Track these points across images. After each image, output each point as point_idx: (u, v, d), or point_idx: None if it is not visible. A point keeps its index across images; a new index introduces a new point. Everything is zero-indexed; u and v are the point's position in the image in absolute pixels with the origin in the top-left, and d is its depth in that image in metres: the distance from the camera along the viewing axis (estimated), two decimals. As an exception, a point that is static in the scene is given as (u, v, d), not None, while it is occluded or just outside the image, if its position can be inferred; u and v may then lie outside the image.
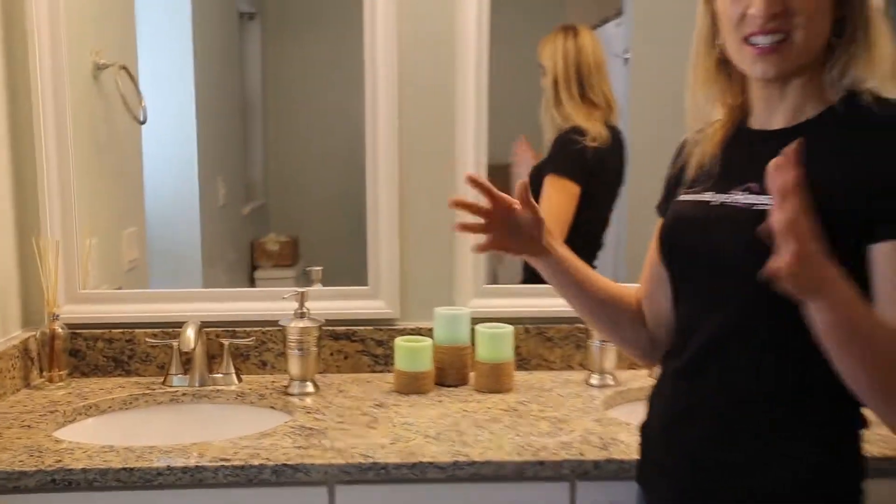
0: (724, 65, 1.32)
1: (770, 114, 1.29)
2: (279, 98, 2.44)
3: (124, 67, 2.22)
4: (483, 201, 1.40)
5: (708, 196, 1.30)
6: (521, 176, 2.23)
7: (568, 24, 2.24)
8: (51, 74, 2.03)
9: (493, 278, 2.26)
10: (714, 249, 1.26)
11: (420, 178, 2.16)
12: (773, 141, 1.23)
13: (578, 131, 2.21)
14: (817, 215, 1.10)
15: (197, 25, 2.34)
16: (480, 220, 1.40)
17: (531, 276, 2.28)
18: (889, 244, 1.14)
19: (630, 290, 1.52)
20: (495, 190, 1.41)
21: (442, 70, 2.14)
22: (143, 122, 2.27)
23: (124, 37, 2.25)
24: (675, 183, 1.44)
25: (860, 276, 1.16)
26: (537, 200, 2.20)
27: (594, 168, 2.24)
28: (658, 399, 1.41)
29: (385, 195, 2.14)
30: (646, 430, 1.43)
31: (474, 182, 1.42)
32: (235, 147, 2.50)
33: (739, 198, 1.25)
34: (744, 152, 1.31)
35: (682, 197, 1.37)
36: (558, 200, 2.23)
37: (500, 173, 2.19)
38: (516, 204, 1.40)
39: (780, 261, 1.03)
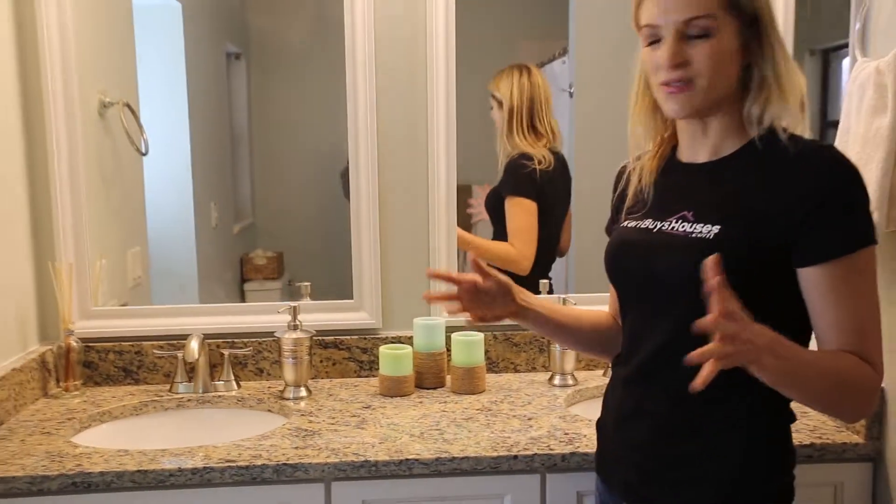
0: (657, 103, 1.34)
1: (696, 148, 1.32)
2: (264, 129, 2.46)
3: (127, 105, 2.22)
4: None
5: (648, 223, 1.34)
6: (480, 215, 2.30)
7: (521, 63, 2.29)
8: (63, 113, 2.03)
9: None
10: (655, 272, 1.28)
11: (397, 200, 2.18)
12: (701, 173, 1.30)
13: (527, 157, 2.27)
14: (746, 245, 1.19)
15: (190, 66, 2.35)
16: (453, 289, 1.43)
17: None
18: (815, 269, 1.18)
19: (602, 312, 1.56)
20: (455, 275, 1.46)
21: (415, 106, 2.16)
22: (144, 154, 2.27)
23: (127, 77, 2.26)
24: (618, 207, 1.47)
25: (794, 295, 1.21)
26: (501, 220, 2.26)
27: (544, 187, 2.29)
28: (611, 399, 1.44)
29: (366, 217, 2.15)
30: (601, 426, 1.47)
31: (436, 276, 1.57)
32: (226, 173, 2.51)
33: (676, 225, 1.28)
34: (676, 183, 1.34)
35: (624, 223, 1.40)
36: (523, 217, 2.28)
37: (462, 192, 2.22)
38: (478, 278, 1.41)
39: (717, 345, 1.03)
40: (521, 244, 2.28)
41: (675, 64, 1.21)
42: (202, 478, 1.57)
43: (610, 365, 1.54)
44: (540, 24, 2.38)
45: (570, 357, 2.10)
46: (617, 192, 1.50)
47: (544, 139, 2.28)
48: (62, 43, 2.02)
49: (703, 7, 1.20)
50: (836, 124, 1.77)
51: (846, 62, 1.77)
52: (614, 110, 2.32)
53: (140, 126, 2.25)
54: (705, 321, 1.03)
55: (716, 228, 1.22)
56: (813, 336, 1.25)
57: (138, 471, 1.55)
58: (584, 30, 2.33)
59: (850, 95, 1.69)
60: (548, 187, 2.30)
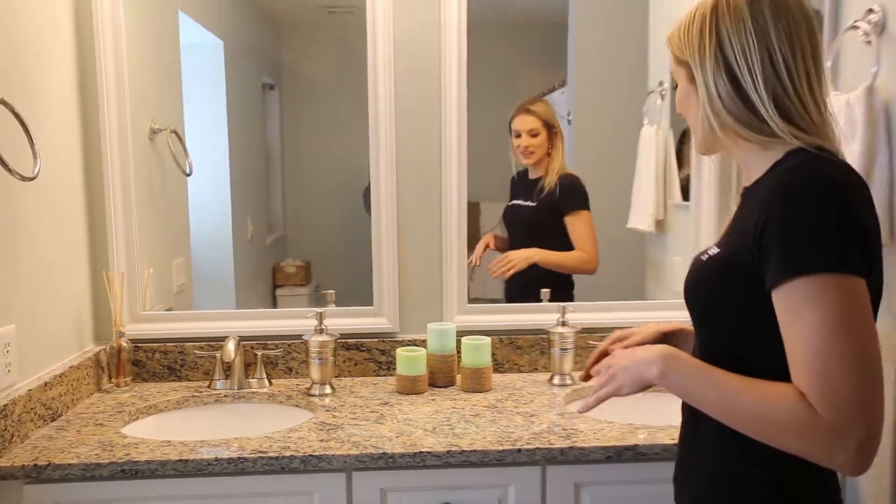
0: None
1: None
2: (294, 151, 2.45)
3: (174, 131, 2.23)
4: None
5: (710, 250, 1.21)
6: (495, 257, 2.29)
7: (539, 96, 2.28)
8: (117, 138, 2.04)
9: (468, 289, 2.27)
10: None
11: (413, 217, 2.17)
12: (742, 199, 1.19)
13: (575, 176, 2.26)
14: (726, 268, 1.11)
15: (230, 96, 2.35)
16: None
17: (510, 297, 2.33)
18: (774, 294, 1.02)
19: None
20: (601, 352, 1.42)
21: (430, 132, 2.15)
22: (188, 174, 2.27)
23: (174, 106, 2.26)
24: None
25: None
26: (548, 232, 2.27)
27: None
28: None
29: (386, 232, 2.14)
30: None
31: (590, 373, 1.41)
32: (260, 191, 2.51)
33: (708, 251, 1.18)
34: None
35: None
36: (589, 226, 2.28)
37: (472, 209, 2.22)
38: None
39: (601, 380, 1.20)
40: (592, 248, 2.27)
41: (679, 112, 1.24)
42: (236, 467, 1.55)
43: None
44: (541, 57, 2.37)
45: (569, 359, 2.08)
46: None
47: None
48: (117, 77, 2.04)
49: (670, 63, 1.23)
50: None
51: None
52: (609, 137, 2.34)
53: (185, 149, 2.26)
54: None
55: (717, 250, 1.15)
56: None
57: (180, 460, 1.54)
58: (581, 63, 2.31)
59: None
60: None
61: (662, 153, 2.26)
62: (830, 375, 0.96)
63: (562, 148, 2.25)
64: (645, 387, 1.17)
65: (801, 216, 1.00)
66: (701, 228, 2.21)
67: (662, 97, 2.25)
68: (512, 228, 2.31)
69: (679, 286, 2.02)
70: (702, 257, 1.18)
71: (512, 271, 2.25)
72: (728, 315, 1.13)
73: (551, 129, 2.25)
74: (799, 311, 0.98)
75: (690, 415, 1.21)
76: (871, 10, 1.62)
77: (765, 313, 1.04)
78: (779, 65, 1.08)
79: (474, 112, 2.16)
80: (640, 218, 2.30)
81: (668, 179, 2.27)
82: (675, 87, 1.22)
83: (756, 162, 1.14)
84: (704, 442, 1.19)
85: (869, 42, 1.64)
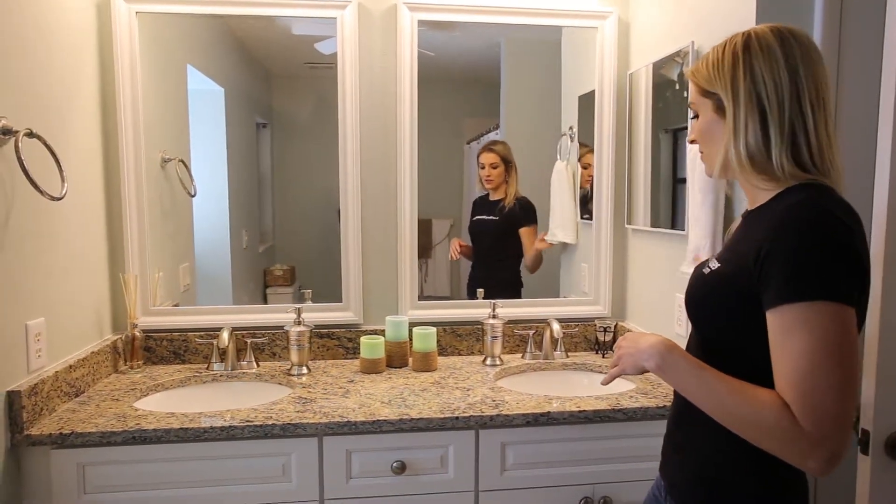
0: None
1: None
2: (282, 177, 2.41)
3: (181, 160, 2.17)
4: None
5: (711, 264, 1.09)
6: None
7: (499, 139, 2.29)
8: (133, 166, 1.99)
9: (422, 289, 2.26)
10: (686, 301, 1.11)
11: (375, 229, 2.16)
12: (744, 220, 1.08)
13: (527, 198, 2.27)
14: (726, 283, 0.99)
15: (229, 132, 2.31)
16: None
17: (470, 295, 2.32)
18: (769, 313, 0.92)
19: None
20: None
21: (388, 163, 2.14)
22: (193, 196, 2.22)
23: (182, 140, 2.21)
24: None
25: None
26: (504, 241, 2.28)
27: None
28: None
29: (353, 243, 2.13)
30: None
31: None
32: (254, 209, 2.46)
33: (709, 264, 1.07)
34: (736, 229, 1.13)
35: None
36: (536, 240, 2.27)
37: (425, 224, 2.22)
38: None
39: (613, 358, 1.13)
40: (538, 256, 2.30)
41: (691, 140, 1.11)
42: (228, 433, 1.52)
43: None
44: (479, 106, 2.37)
45: (498, 344, 2.08)
46: None
47: None
48: (133, 116, 1.99)
49: (693, 92, 1.08)
50: (683, 180, 1.78)
51: (688, 139, 1.79)
52: (531, 169, 2.35)
53: (191, 175, 2.20)
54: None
55: (717, 265, 1.03)
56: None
57: (181, 428, 1.51)
58: (510, 111, 2.32)
59: (690, 161, 1.71)
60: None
61: (570, 183, 2.28)
62: (815, 393, 0.87)
63: (516, 177, 2.27)
64: (644, 371, 1.07)
65: (807, 247, 0.88)
66: (601, 241, 2.25)
67: (571, 139, 2.28)
68: (477, 237, 2.32)
69: (585, 287, 2.03)
70: (703, 270, 1.06)
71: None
72: (724, 324, 1.01)
73: (508, 163, 2.26)
74: (793, 331, 0.88)
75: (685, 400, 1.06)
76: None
77: (756, 326, 0.94)
78: (805, 103, 0.96)
79: (428, 148, 2.16)
80: (555, 233, 2.32)
81: (576, 203, 2.29)
82: (694, 117, 1.08)
83: (760, 191, 1.02)
84: (697, 425, 1.05)
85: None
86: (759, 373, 0.94)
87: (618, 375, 1.12)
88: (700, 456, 1.06)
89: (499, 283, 2.27)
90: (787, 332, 0.89)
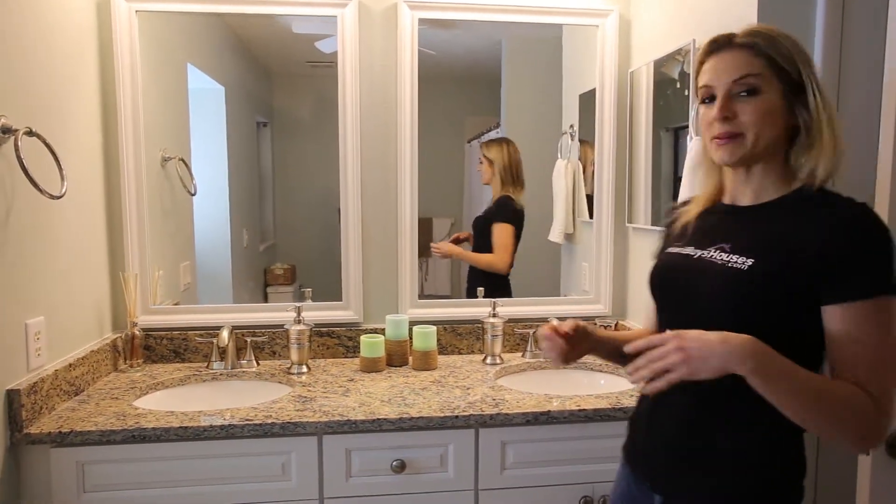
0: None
1: (738, 192, 1.12)
2: (282, 176, 2.41)
3: (182, 159, 2.17)
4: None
5: (689, 250, 1.14)
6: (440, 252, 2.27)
7: (504, 137, 2.27)
8: (133, 164, 1.99)
9: (422, 288, 2.26)
10: (697, 292, 1.08)
11: (375, 230, 2.15)
12: (743, 214, 1.10)
13: (510, 198, 2.25)
14: (774, 279, 0.99)
15: (229, 131, 2.31)
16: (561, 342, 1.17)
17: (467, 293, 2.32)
18: (839, 307, 0.97)
19: (645, 330, 1.31)
20: (560, 331, 1.18)
21: (388, 162, 2.14)
22: (193, 195, 2.22)
23: (183, 139, 2.21)
24: (665, 239, 1.27)
25: (808, 330, 1.00)
26: (485, 238, 2.23)
27: (518, 219, 2.27)
28: (644, 399, 1.20)
29: (353, 242, 2.12)
30: (633, 420, 1.23)
31: (552, 333, 1.18)
32: (254, 207, 2.46)
33: (714, 254, 1.08)
34: (720, 220, 1.14)
35: (670, 249, 1.19)
36: (506, 236, 2.26)
37: (426, 223, 2.22)
38: (567, 328, 1.19)
39: (669, 360, 0.96)
40: (504, 254, 2.26)
41: (723, 117, 1.03)
42: (227, 432, 1.52)
43: None
44: (480, 105, 2.37)
45: (498, 343, 2.08)
46: (664, 228, 1.30)
47: (521, 189, 2.27)
48: (133, 115, 1.99)
49: (751, 67, 1.02)
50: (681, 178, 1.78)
51: (688, 138, 1.78)
52: (532, 168, 2.35)
53: (191, 174, 2.20)
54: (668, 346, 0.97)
55: (750, 261, 1.02)
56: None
57: (181, 427, 1.50)
58: (511, 110, 2.32)
59: (688, 160, 1.70)
60: (520, 220, 2.29)
61: (571, 181, 2.27)
62: (886, 376, 0.95)
63: (500, 177, 2.26)
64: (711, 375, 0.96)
65: (880, 248, 0.96)
66: (601, 240, 2.24)
67: (572, 137, 2.27)
68: (473, 231, 2.33)
69: (586, 286, 2.01)
70: (728, 265, 1.04)
71: (437, 254, 2.27)
72: (762, 318, 1.00)
73: (491, 163, 2.26)
74: (868, 324, 0.95)
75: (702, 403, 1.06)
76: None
77: (796, 323, 1.00)
78: (829, 98, 1.03)
79: (429, 146, 2.16)
80: (556, 232, 2.31)
81: (577, 202, 2.29)
82: (746, 92, 1.02)
83: (772, 184, 1.07)
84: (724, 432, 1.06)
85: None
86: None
87: (678, 381, 0.97)
88: (741, 465, 1.04)
89: (487, 281, 2.25)
90: (859, 324, 0.95)
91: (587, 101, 2.24)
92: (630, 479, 1.21)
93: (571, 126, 2.28)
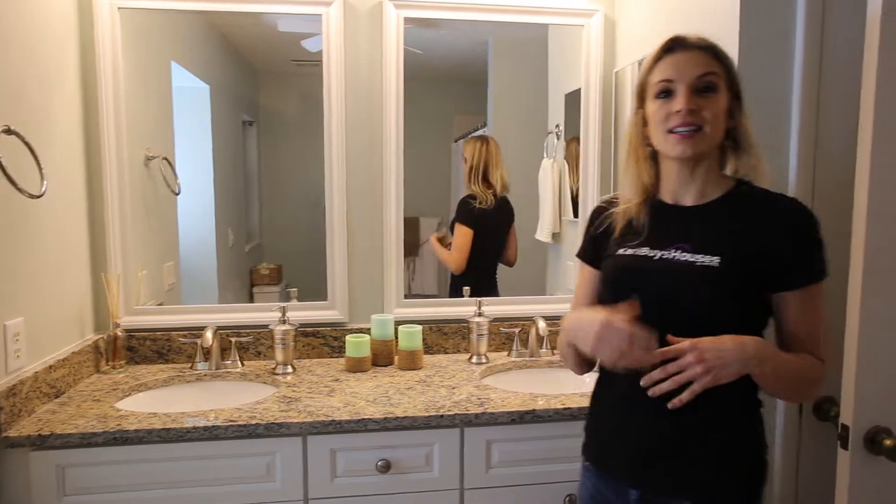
0: (650, 154, 1.19)
1: (681, 191, 1.17)
2: (268, 176, 2.40)
3: (165, 158, 2.15)
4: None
5: (645, 251, 1.16)
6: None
7: (484, 135, 2.26)
8: (115, 163, 1.97)
9: (409, 287, 2.26)
10: (666, 289, 1.11)
11: (360, 229, 2.14)
12: (692, 213, 1.16)
13: (472, 197, 2.23)
14: (743, 273, 1.07)
15: (215, 130, 2.29)
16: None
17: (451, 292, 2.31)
18: (795, 293, 1.10)
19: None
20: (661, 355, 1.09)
21: (374, 158, 2.13)
22: (177, 194, 2.20)
23: (166, 138, 2.19)
24: (597, 238, 1.27)
25: (757, 312, 1.12)
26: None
27: (479, 219, 2.25)
28: (609, 397, 1.22)
29: (338, 241, 2.11)
30: (597, 420, 1.25)
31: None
32: (240, 207, 2.44)
33: (675, 254, 1.12)
34: (671, 220, 1.17)
35: (621, 251, 1.19)
36: (459, 237, 2.25)
37: (412, 223, 2.21)
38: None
39: (691, 373, 1.03)
40: (457, 254, 2.25)
41: (690, 110, 1.09)
42: (211, 433, 1.51)
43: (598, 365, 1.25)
44: (467, 104, 2.37)
45: (484, 342, 2.08)
46: (595, 227, 1.28)
47: (493, 188, 2.25)
48: (116, 113, 1.97)
49: (712, 66, 1.11)
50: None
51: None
52: (518, 168, 2.36)
53: (175, 173, 2.18)
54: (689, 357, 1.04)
55: (717, 259, 1.08)
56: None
57: (163, 428, 1.49)
58: (498, 109, 2.33)
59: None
60: (482, 219, 2.26)
61: (557, 181, 2.28)
62: (821, 339, 1.13)
63: (466, 175, 2.23)
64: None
65: (819, 237, 1.11)
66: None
67: (558, 137, 2.28)
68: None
69: (572, 285, 2.02)
70: (697, 263, 1.10)
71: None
72: (729, 310, 1.09)
73: (465, 161, 2.26)
74: (815, 304, 1.11)
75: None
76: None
77: (753, 308, 1.12)
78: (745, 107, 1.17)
79: (415, 145, 2.15)
80: (543, 231, 2.32)
81: (563, 201, 2.29)
82: (705, 89, 1.10)
83: (713, 182, 1.16)
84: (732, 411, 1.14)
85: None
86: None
87: (702, 389, 1.03)
88: (733, 442, 1.12)
89: (474, 279, 2.24)
90: (809, 304, 1.10)
91: (573, 100, 2.25)
92: (596, 478, 1.23)
93: (557, 125, 2.28)
